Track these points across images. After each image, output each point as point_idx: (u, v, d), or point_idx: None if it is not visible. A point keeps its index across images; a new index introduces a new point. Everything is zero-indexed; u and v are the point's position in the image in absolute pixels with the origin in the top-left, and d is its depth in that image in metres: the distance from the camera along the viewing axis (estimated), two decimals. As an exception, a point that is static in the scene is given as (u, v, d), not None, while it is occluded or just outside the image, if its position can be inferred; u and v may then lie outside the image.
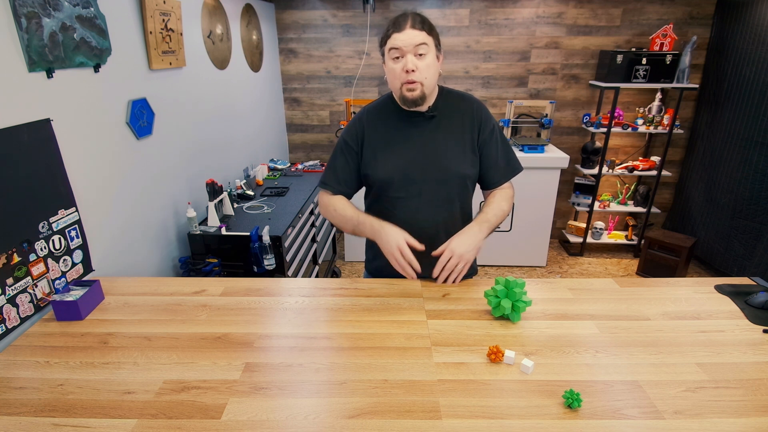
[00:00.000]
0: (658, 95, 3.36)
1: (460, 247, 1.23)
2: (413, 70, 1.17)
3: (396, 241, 1.22)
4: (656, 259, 3.27)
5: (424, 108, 1.28)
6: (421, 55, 1.18)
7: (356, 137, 1.32)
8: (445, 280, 1.29)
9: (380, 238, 1.25)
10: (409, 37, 1.16)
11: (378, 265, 1.45)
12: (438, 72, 1.24)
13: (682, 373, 0.98)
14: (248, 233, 1.96)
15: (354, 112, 3.42)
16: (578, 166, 3.55)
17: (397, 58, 1.19)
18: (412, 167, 1.28)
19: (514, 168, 1.38)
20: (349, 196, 1.39)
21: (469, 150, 1.31)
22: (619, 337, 1.11)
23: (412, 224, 1.30)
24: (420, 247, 1.23)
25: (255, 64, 3.03)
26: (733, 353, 1.05)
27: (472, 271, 1.45)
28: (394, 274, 1.41)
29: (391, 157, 1.29)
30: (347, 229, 1.34)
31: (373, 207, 1.40)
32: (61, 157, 1.36)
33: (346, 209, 1.33)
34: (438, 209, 1.32)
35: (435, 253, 1.25)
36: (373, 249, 1.47)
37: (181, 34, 2.01)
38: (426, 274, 1.38)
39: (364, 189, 1.44)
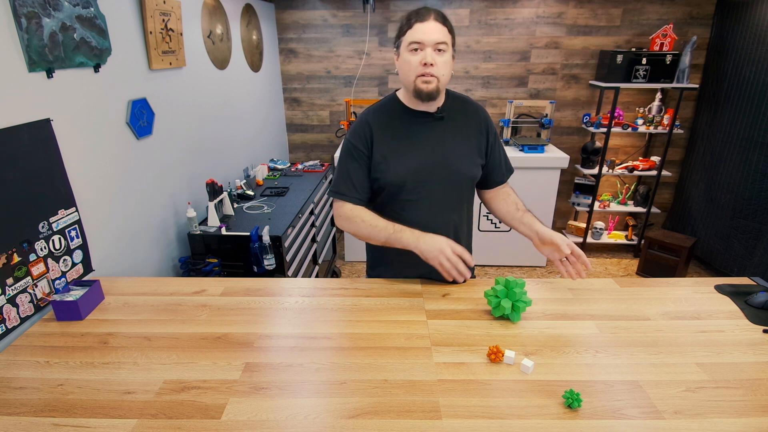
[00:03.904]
0: (658, 95, 3.36)
1: (565, 239, 1.24)
2: (432, 64, 1.15)
3: (440, 247, 1.18)
4: (656, 259, 3.27)
5: (432, 108, 1.27)
6: (440, 50, 1.16)
7: (365, 140, 1.27)
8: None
9: (422, 246, 1.20)
10: (432, 29, 1.14)
11: (380, 272, 1.44)
12: (451, 72, 1.23)
13: (682, 373, 0.98)
14: (248, 233, 1.96)
15: (354, 113, 3.42)
16: (578, 166, 3.55)
17: (416, 50, 1.16)
18: (423, 169, 1.26)
19: (510, 168, 1.43)
20: (366, 204, 1.32)
21: (476, 152, 1.32)
22: (619, 337, 1.11)
23: (421, 227, 1.27)
24: (469, 259, 1.20)
25: (255, 64, 3.03)
26: (733, 353, 1.05)
27: (471, 272, 1.46)
28: (396, 278, 1.41)
29: (402, 160, 1.26)
30: (378, 240, 1.27)
31: (380, 211, 1.33)
32: (61, 157, 1.36)
33: (377, 220, 1.26)
34: (448, 211, 1.32)
35: (553, 240, 1.23)
36: (374, 255, 1.46)
37: (181, 34, 2.01)
38: (428, 275, 1.37)
39: None
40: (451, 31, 1.19)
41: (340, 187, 1.31)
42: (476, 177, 1.34)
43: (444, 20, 1.17)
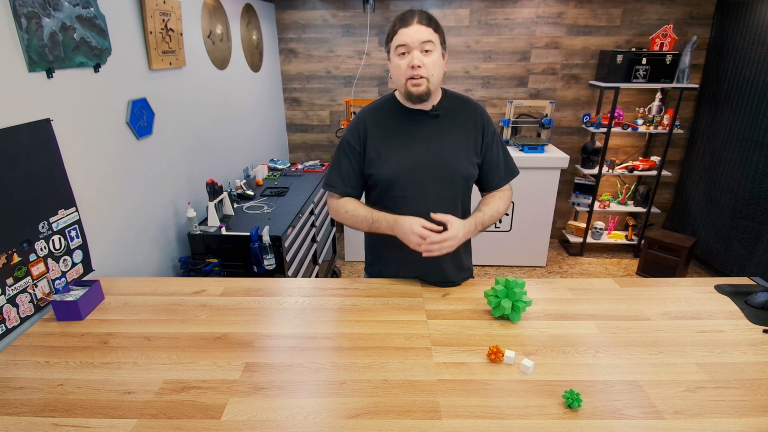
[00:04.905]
0: (658, 95, 3.36)
1: (458, 231, 1.21)
2: (419, 66, 1.17)
3: (411, 227, 1.20)
4: (656, 259, 3.27)
5: (428, 107, 1.28)
6: (427, 51, 1.18)
7: (359, 138, 1.31)
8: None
9: (397, 230, 1.24)
10: (415, 32, 1.16)
11: (378, 269, 1.45)
12: (443, 70, 1.24)
13: (682, 373, 0.98)
14: (248, 233, 1.96)
15: (354, 112, 3.42)
16: (578, 166, 3.55)
17: (403, 54, 1.19)
18: (418, 166, 1.27)
19: (513, 171, 1.41)
20: (356, 197, 1.37)
21: (472, 151, 1.32)
22: (619, 337, 1.11)
23: None
24: (437, 228, 1.20)
25: (255, 64, 3.03)
26: (733, 353, 1.05)
27: (468, 273, 1.46)
28: (394, 277, 1.41)
29: (396, 156, 1.28)
30: (362, 228, 1.33)
31: (375, 206, 1.36)
32: (61, 157, 1.36)
33: (358, 209, 1.31)
34: (441, 209, 1.32)
35: (437, 217, 1.22)
36: (372, 253, 1.47)
37: (181, 34, 2.01)
38: (425, 276, 1.39)
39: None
40: (437, 29, 1.20)
41: (330, 179, 1.37)
42: (471, 175, 1.34)
43: (429, 21, 1.19)
